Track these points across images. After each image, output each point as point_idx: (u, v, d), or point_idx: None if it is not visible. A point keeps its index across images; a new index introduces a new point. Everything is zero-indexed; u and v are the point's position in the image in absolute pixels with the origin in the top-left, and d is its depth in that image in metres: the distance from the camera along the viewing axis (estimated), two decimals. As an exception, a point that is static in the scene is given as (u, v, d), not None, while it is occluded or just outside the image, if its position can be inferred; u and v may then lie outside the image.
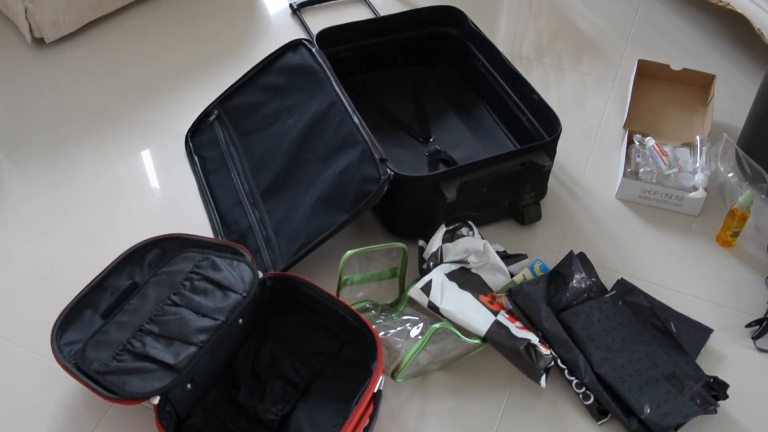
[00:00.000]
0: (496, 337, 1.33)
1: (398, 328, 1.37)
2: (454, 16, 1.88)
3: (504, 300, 1.43)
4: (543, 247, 1.60)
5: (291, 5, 2.22)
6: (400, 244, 1.46)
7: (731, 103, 1.92)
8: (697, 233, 1.64)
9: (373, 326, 1.32)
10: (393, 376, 1.33)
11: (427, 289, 1.39)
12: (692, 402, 1.31)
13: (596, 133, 1.86)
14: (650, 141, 1.73)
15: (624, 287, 1.49)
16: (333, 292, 1.39)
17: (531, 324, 1.40)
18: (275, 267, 1.48)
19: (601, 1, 2.28)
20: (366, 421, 1.24)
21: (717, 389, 1.34)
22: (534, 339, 1.33)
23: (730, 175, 1.68)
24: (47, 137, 1.83)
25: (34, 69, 2.02)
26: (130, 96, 1.94)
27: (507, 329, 1.34)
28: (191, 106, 1.88)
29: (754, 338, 1.45)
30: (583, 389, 1.34)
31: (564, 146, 1.79)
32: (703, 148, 1.72)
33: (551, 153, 1.56)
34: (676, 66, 1.93)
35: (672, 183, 1.67)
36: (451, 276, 1.43)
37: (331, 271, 1.52)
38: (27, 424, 1.32)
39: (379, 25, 1.88)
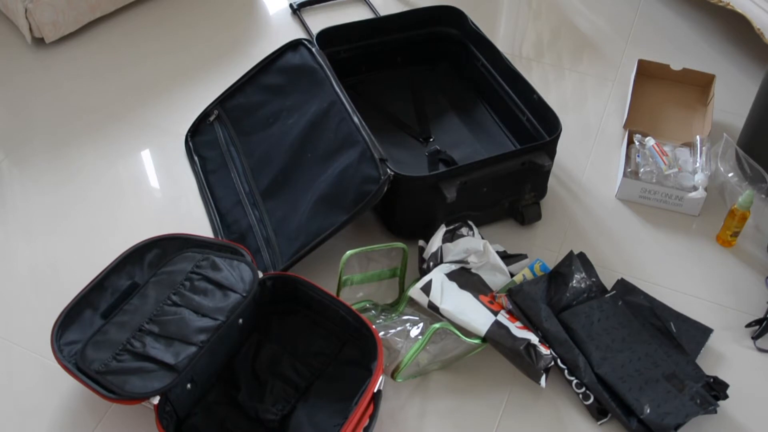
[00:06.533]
0: (496, 337, 1.33)
1: (398, 328, 1.37)
2: (454, 16, 1.88)
3: (504, 300, 1.43)
4: (543, 247, 1.60)
5: (291, 5, 2.22)
6: (400, 244, 1.46)
7: (731, 103, 1.92)
8: (697, 233, 1.64)
9: (373, 326, 1.32)
10: (393, 376, 1.33)
11: (427, 289, 1.39)
12: (692, 402, 1.31)
13: (596, 133, 1.86)
14: (650, 141, 1.73)
15: (624, 287, 1.49)
16: (333, 292, 1.39)
17: (531, 324, 1.40)
18: (275, 267, 1.48)
19: (601, 1, 2.28)
20: (366, 421, 1.24)
21: (717, 389, 1.34)
22: (534, 339, 1.33)
23: (730, 175, 1.68)
24: (47, 137, 1.83)
25: (34, 69, 2.02)
26: (130, 96, 1.94)
27: (507, 329, 1.34)
28: (191, 106, 1.88)
29: (754, 338, 1.45)
30: (583, 389, 1.34)
31: (564, 146, 1.79)
32: (703, 148, 1.72)
33: (551, 153, 1.56)
34: (676, 66, 1.93)
35: (672, 183, 1.67)
36: (451, 276, 1.43)
37: (331, 271, 1.52)
38: (27, 423, 1.32)
39: (379, 25, 1.88)
